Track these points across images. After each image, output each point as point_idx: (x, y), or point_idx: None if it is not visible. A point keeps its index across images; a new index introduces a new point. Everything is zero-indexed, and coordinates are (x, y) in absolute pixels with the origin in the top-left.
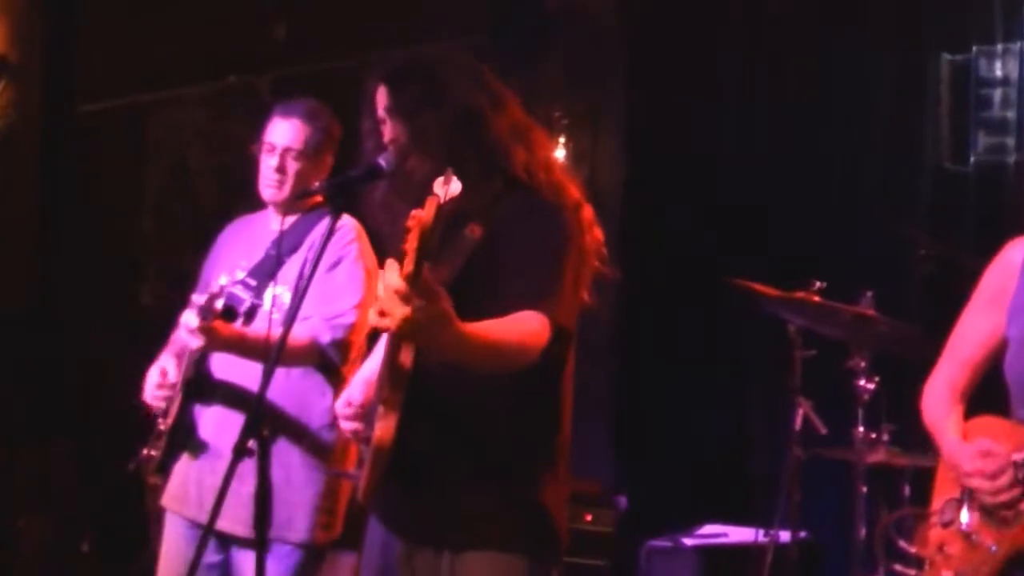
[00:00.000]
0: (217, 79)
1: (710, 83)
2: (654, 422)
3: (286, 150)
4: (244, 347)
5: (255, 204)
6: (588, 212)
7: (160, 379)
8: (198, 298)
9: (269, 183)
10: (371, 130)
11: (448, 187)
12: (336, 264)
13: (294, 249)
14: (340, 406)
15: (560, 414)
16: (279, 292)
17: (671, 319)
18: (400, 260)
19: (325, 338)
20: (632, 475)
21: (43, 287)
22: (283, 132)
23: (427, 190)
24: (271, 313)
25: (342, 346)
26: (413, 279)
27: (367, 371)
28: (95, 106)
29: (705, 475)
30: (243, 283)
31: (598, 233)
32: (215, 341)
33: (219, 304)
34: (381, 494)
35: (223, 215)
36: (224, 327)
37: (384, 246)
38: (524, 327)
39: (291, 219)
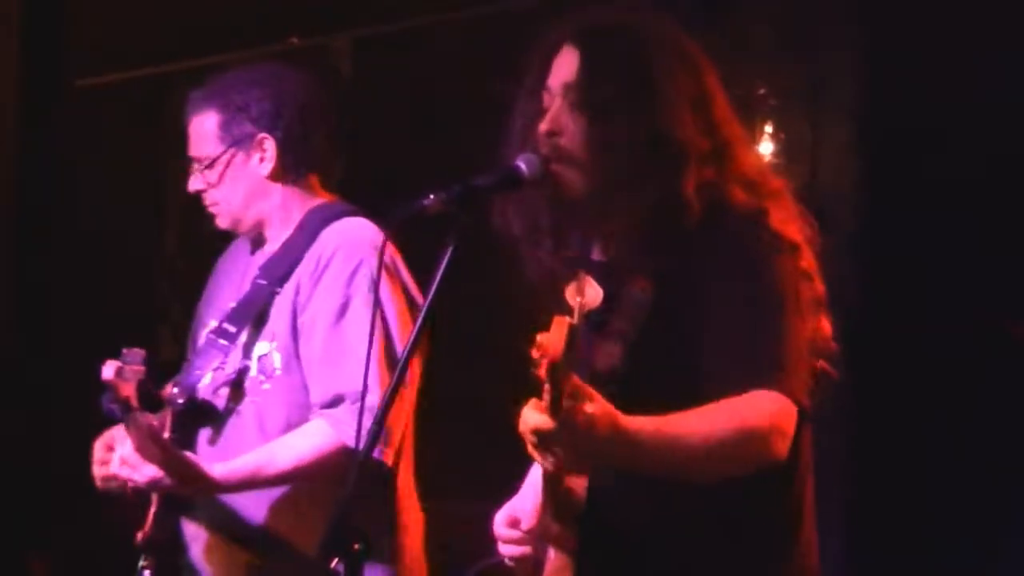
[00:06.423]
0: (273, 41)
1: (987, 45)
2: (906, 521)
3: (197, 163)
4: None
5: None
6: (809, 258)
7: (102, 454)
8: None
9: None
10: (532, 94)
11: (583, 297)
12: (343, 311)
13: (285, 277)
14: (502, 524)
15: (798, 524)
16: (264, 349)
17: (925, 380)
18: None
19: (352, 436)
20: None
21: (22, 330)
22: (188, 139)
23: (583, 213)
24: (259, 382)
25: (379, 437)
26: (553, 410)
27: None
28: (98, 79)
29: None
30: (221, 330)
31: (825, 325)
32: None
33: (180, 400)
34: None
35: None
36: (194, 468)
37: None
38: (750, 411)
39: (284, 234)
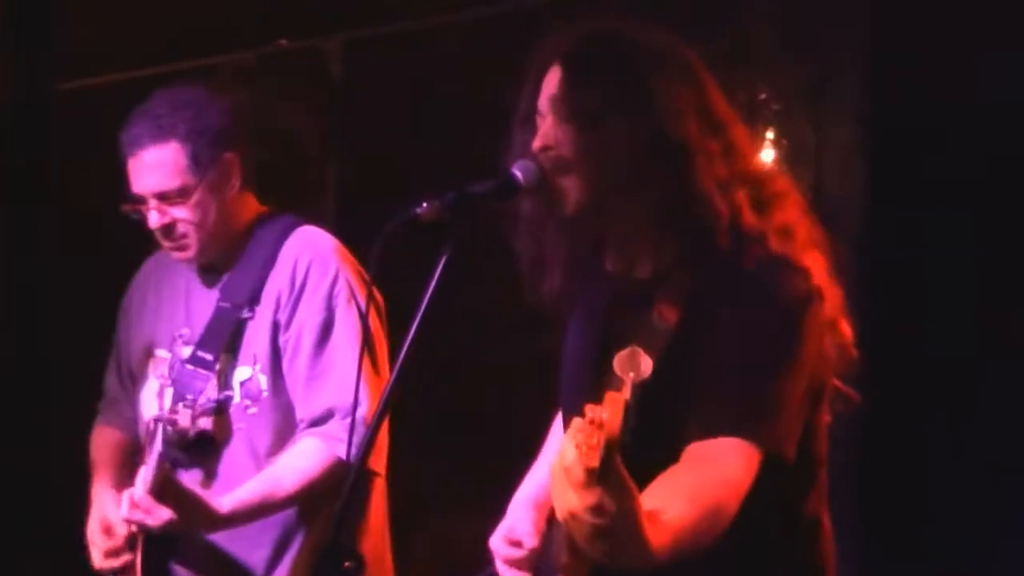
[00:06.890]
0: (263, 43)
1: (989, 45)
2: (906, 521)
3: (160, 198)
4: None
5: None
6: (835, 299)
7: (105, 540)
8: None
9: (170, 249)
10: (526, 120)
11: (638, 371)
12: (327, 326)
13: (253, 298)
14: (503, 543)
15: (812, 555)
16: (246, 374)
17: (936, 396)
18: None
19: (345, 450)
20: None
21: (21, 330)
22: (142, 175)
23: (582, 221)
24: (245, 407)
25: (372, 447)
26: (603, 477)
27: (532, 488)
28: (97, 80)
29: None
30: (196, 358)
31: (846, 329)
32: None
33: (169, 428)
34: None
35: None
36: (205, 506)
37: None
38: (718, 482)
39: (236, 251)
